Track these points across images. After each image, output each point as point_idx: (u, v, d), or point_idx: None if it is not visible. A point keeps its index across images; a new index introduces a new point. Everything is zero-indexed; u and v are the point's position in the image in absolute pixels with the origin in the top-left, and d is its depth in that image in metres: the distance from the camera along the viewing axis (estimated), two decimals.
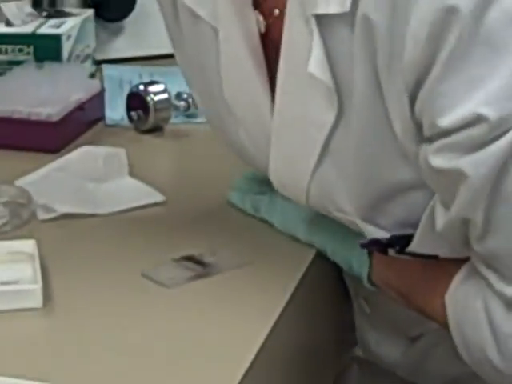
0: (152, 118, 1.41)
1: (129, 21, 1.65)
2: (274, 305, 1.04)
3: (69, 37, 1.50)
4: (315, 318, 1.21)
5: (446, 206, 1.01)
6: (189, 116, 1.48)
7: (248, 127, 1.23)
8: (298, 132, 1.12)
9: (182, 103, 1.46)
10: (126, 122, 1.44)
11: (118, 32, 1.66)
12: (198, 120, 1.47)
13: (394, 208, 1.09)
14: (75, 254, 1.14)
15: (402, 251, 1.08)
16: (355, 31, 0.99)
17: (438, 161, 0.96)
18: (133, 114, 1.43)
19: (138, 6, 1.64)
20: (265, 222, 1.22)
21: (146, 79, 1.49)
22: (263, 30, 1.15)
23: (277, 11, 1.12)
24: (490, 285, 1.06)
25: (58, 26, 1.51)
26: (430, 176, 1.00)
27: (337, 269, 1.25)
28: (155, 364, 0.96)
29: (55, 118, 1.36)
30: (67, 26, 1.51)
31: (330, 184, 1.11)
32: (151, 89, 1.43)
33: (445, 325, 1.11)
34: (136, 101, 1.43)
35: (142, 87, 1.44)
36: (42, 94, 1.39)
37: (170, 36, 1.32)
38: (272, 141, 1.16)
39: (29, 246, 1.10)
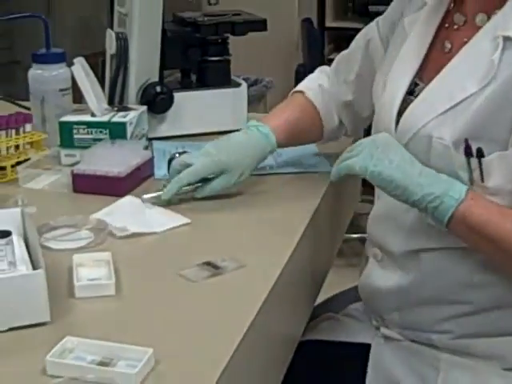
0: None
1: (169, 113, 1.64)
2: (260, 291, 1.04)
3: (131, 123, 1.49)
4: (293, 301, 1.20)
5: None
6: None
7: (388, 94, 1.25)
8: (447, 91, 1.14)
9: None
10: (167, 176, 1.41)
11: (162, 120, 1.64)
12: None
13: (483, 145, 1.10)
14: (136, 260, 1.14)
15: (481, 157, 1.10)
16: None
17: None
18: None
19: (174, 105, 1.63)
20: (255, 241, 1.20)
21: (180, 150, 1.47)
22: (448, 46, 1.21)
23: (465, 39, 1.17)
24: None
25: (124, 117, 1.50)
26: None
27: (304, 269, 1.24)
28: (187, 325, 0.97)
29: (123, 175, 1.36)
30: (130, 116, 1.50)
31: (445, 123, 1.12)
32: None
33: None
34: None
35: (177, 155, 1.41)
36: (114, 159, 1.38)
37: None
38: (423, 93, 1.18)
39: (106, 255, 1.10)
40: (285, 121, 1.39)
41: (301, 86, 1.47)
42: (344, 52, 1.48)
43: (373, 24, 1.41)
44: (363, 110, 1.44)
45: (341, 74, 1.45)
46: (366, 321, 1.37)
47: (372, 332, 1.33)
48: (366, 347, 1.31)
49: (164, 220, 1.26)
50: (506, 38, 1.09)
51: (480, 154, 1.09)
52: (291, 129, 1.39)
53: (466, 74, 1.12)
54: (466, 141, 1.10)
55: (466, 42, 1.16)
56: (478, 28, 1.15)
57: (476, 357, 1.21)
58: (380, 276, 1.28)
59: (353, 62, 1.43)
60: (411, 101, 1.21)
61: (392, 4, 1.38)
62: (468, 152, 1.10)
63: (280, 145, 1.37)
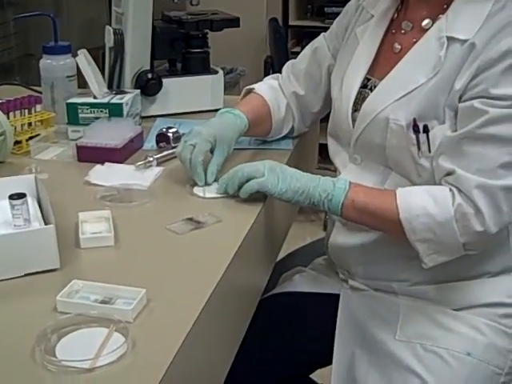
0: (170, 145, 1.39)
1: (158, 95, 1.62)
2: (233, 242, 1.04)
3: (127, 104, 1.47)
4: (259, 251, 1.19)
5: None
6: None
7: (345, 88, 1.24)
8: (401, 82, 1.14)
9: None
10: (154, 148, 1.41)
11: (153, 101, 1.63)
12: None
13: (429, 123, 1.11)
14: (131, 216, 1.13)
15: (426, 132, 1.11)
16: (464, 46, 1.08)
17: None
18: (161, 144, 1.41)
19: (162, 89, 1.62)
20: (229, 200, 1.18)
21: (166, 126, 1.45)
22: (398, 47, 1.20)
23: (414, 40, 1.17)
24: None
25: (121, 99, 1.48)
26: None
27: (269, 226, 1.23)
28: (174, 270, 0.97)
29: (119, 146, 1.34)
30: (126, 98, 1.48)
31: (399, 108, 1.12)
32: (170, 130, 1.41)
33: (395, 214, 1.09)
34: (162, 137, 1.41)
35: (164, 129, 1.41)
36: (111, 133, 1.36)
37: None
38: (381, 84, 1.17)
39: (106, 213, 1.10)
40: (251, 106, 1.36)
41: (250, 86, 1.44)
42: (293, 60, 1.47)
43: (320, 37, 1.41)
44: (313, 105, 1.42)
45: (292, 74, 1.43)
46: (331, 274, 1.37)
47: (339, 284, 1.32)
48: (335, 297, 1.30)
49: (149, 177, 1.27)
50: (449, 38, 1.10)
51: (426, 130, 1.10)
52: (255, 113, 1.35)
53: (417, 68, 1.12)
54: (414, 120, 1.11)
55: (414, 42, 1.16)
56: (425, 30, 1.16)
57: (430, 301, 1.21)
58: (346, 237, 1.26)
59: (302, 63, 1.42)
60: (365, 92, 1.21)
61: (335, 21, 1.38)
62: (416, 129, 1.11)
63: (249, 126, 1.33)
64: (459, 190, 1.06)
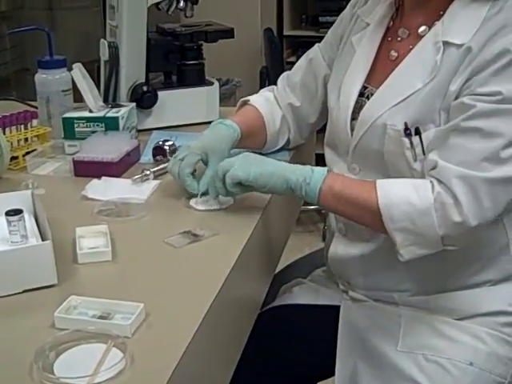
0: (167, 159, 1.38)
1: (154, 108, 1.62)
2: (231, 254, 1.03)
3: (123, 117, 1.47)
4: (257, 264, 1.19)
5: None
6: None
7: (343, 94, 1.24)
8: (398, 88, 1.14)
9: None
10: (151, 161, 1.41)
11: (149, 114, 1.63)
12: None
13: (426, 127, 1.11)
14: (128, 230, 1.12)
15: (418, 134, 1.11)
16: (460, 50, 1.08)
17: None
18: (157, 157, 1.41)
19: (158, 101, 1.62)
20: (226, 212, 1.18)
21: (163, 138, 1.45)
22: (395, 55, 1.20)
23: (411, 47, 1.16)
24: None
25: (117, 112, 1.48)
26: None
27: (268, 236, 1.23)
28: (172, 283, 0.96)
29: (115, 160, 1.34)
30: (122, 112, 1.48)
31: (397, 113, 1.12)
32: (166, 143, 1.41)
33: (374, 201, 1.08)
34: (158, 150, 1.41)
35: (160, 143, 1.41)
36: (108, 147, 1.36)
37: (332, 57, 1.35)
38: (378, 90, 1.17)
39: (103, 228, 1.09)
40: (244, 117, 1.36)
41: (246, 98, 1.43)
42: (288, 72, 1.47)
43: (314, 48, 1.41)
44: (309, 116, 1.42)
45: (288, 85, 1.43)
46: (331, 286, 1.36)
47: (339, 295, 1.32)
48: (335, 308, 1.29)
49: (146, 191, 1.27)
50: (445, 43, 1.10)
51: (418, 132, 1.10)
52: (249, 124, 1.35)
53: (414, 74, 1.12)
54: (405, 124, 1.11)
55: (411, 49, 1.16)
56: (421, 37, 1.16)
57: (431, 310, 1.20)
58: (346, 247, 1.26)
59: (297, 75, 1.42)
60: (362, 101, 1.21)
61: (330, 31, 1.39)
62: (408, 133, 1.11)
63: (242, 136, 1.32)
64: (439, 181, 1.05)
